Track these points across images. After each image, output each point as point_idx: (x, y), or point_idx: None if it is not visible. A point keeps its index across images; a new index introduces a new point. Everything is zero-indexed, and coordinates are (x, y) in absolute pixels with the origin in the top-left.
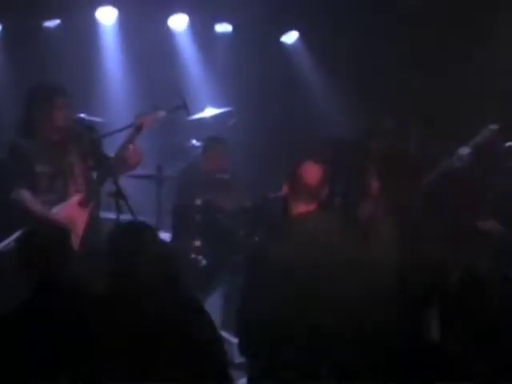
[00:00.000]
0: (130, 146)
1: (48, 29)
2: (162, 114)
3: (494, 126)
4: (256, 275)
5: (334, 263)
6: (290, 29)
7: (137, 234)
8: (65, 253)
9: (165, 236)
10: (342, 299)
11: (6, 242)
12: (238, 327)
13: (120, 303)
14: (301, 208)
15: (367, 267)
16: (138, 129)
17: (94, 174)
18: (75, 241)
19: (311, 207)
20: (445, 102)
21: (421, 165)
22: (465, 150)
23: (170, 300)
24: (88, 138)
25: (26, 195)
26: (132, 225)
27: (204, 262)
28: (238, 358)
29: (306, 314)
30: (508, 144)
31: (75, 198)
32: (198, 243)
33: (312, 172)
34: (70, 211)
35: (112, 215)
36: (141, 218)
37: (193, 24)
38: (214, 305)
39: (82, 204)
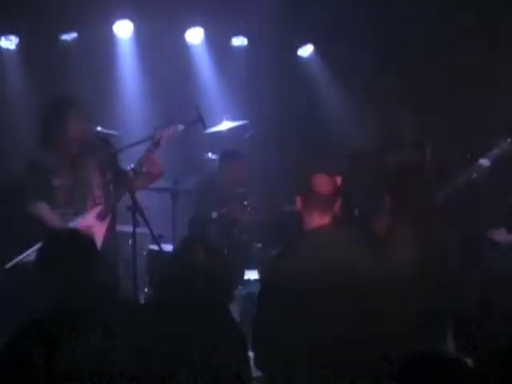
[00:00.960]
0: (149, 160)
1: (65, 42)
2: (180, 127)
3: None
4: (271, 289)
5: (350, 277)
6: (306, 42)
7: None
8: (91, 258)
9: None
10: (356, 313)
11: (25, 254)
12: (253, 341)
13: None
14: (315, 220)
15: (383, 281)
16: (157, 143)
17: (112, 188)
18: None
19: (326, 220)
20: (462, 114)
21: (436, 177)
22: (483, 162)
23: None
24: (105, 151)
25: (43, 208)
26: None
27: None
28: (254, 372)
29: (321, 328)
30: None
31: (93, 212)
32: None
33: (323, 182)
34: (88, 224)
35: (129, 228)
36: (157, 231)
37: (209, 37)
38: None
39: (99, 217)
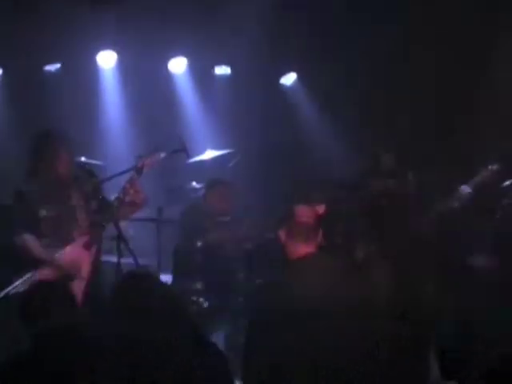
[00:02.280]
0: (132, 189)
1: (49, 72)
2: (161, 155)
3: (493, 167)
4: (261, 317)
5: (336, 304)
6: (289, 70)
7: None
8: (66, 302)
9: (166, 278)
10: (343, 340)
11: (13, 286)
12: (243, 371)
13: (126, 351)
14: (300, 250)
15: (365, 308)
16: (139, 171)
17: (97, 218)
18: (80, 284)
19: (310, 248)
20: (444, 141)
21: (419, 204)
22: (464, 190)
23: (181, 344)
24: (89, 182)
25: (30, 240)
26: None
27: (205, 303)
28: None
29: (309, 354)
30: (505, 184)
31: (79, 242)
32: (198, 285)
33: (306, 213)
34: (75, 254)
35: (113, 258)
36: (142, 261)
37: (192, 67)
38: None
39: (85, 247)
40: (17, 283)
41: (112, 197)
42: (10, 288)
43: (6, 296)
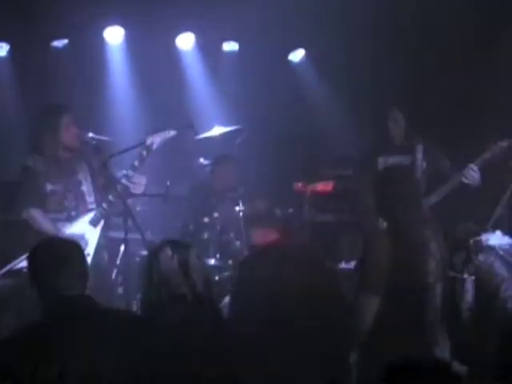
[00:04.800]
0: (136, 175)
1: (56, 48)
2: (172, 133)
3: (503, 143)
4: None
5: None
6: (297, 47)
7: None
8: (79, 268)
9: None
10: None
11: (19, 260)
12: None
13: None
14: None
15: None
16: (148, 149)
17: (104, 193)
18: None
19: None
20: (454, 116)
21: (428, 180)
22: (474, 166)
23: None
24: (96, 157)
25: (36, 214)
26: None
27: (215, 279)
28: None
29: None
30: None
31: (86, 217)
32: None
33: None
34: (81, 230)
35: (121, 234)
36: (149, 237)
37: (200, 43)
38: None
39: (92, 223)
40: (22, 257)
41: (119, 173)
42: (15, 262)
43: (12, 270)
